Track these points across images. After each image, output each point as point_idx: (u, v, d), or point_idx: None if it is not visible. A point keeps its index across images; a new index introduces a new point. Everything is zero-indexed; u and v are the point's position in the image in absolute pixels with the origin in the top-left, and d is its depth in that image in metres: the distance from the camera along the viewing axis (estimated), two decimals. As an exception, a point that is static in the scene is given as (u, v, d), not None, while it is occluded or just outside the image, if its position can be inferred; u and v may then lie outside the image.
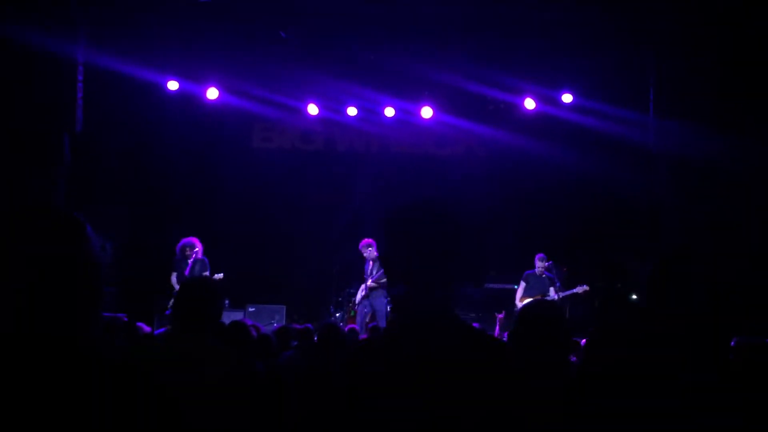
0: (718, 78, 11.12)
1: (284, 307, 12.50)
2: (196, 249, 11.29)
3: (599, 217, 13.34)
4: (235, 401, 3.01)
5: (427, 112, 13.86)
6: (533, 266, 11.89)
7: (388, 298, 12.10)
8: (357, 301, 12.08)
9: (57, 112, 11.27)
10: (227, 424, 2.96)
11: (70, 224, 1.54)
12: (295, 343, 7.00)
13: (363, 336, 10.58)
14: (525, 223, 13.43)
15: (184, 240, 11.34)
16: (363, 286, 12.00)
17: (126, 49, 11.92)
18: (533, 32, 12.02)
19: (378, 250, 11.37)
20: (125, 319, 7.95)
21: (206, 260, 11.39)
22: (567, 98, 13.34)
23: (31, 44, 10.17)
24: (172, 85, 13.37)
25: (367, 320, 11.83)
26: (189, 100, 13.61)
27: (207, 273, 11.21)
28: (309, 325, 7.49)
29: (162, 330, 8.64)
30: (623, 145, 12.59)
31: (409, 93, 13.77)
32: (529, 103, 13.55)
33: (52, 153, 10.99)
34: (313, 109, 13.95)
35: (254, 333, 5.87)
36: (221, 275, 11.18)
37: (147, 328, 7.24)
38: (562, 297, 11.67)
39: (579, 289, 11.70)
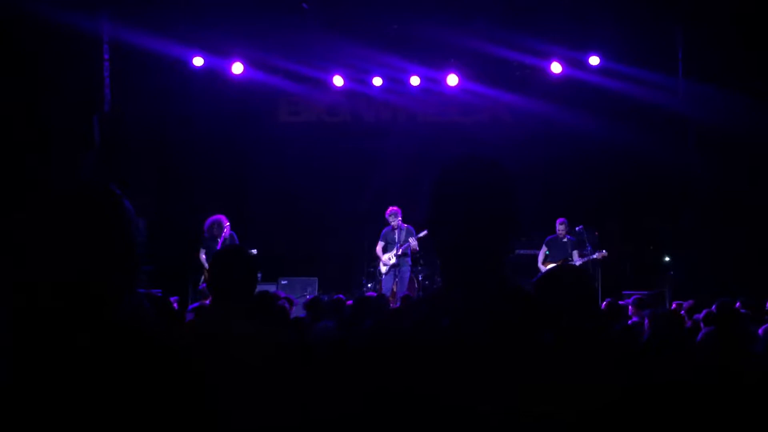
0: (747, 40, 10.93)
1: (316, 279, 12.57)
2: (226, 225, 11.36)
3: (628, 181, 13.24)
4: (271, 373, 3.03)
5: (452, 80, 13.78)
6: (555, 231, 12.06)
7: (411, 265, 12.18)
8: (385, 271, 12.12)
9: (85, 93, 11.36)
10: (262, 396, 2.99)
11: (107, 197, 1.56)
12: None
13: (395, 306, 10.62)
14: (554, 189, 13.36)
15: (212, 218, 11.40)
16: (390, 255, 12.02)
17: (150, 25, 11.95)
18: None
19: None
20: (159, 294, 8.06)
21: (235, 236, 11.48)
22: (594, 61, 13.17)
23: (56, 24, 10.22)
24: (197, 61, 13.41)
25: (395, 289, 11.88)
26: (214, 76, 13.64)
27: None
28: (341, 296, 7.55)
29: (196, 305, 8.76)
30: (651, 108, 12.45)
31: (434, 60, 13.68)
32: (556, 67, 13.39)
33: (83, 134, 11.11)
34: (338, 81, 13.93)
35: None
36: (254, 251, 11.25)
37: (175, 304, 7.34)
38: (582, 262, 11.68)
39: (597, 255, 11.71)
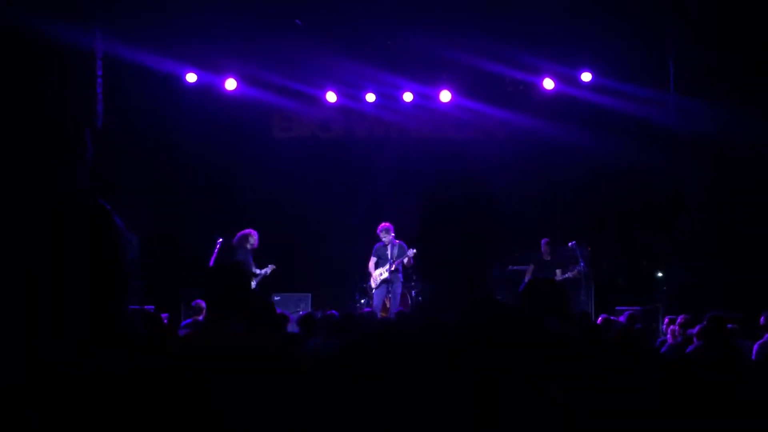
0: (738, 55, 11.00)
1: (309, 295, 12.55)
2: (256, 239, 11.51)
3: (622, 196, 13.27)
4: (269, 379, 3.03)
5: (445, 96, 13.82)
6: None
7: (403, 281, 12.19)
8: (376, 285, 12.11)
9: (78, 108, 11.35)
10: (261, 408, 2.99)
11: (96, 212, 1.55)
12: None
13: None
14: (548, 205, 13.38)
15: (246, 231, 11.47)
16: (382, 270, 12.01)
17: (143, 41, 11.98)
18: (551, 10, 11.93)
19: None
20: (152, 310, 8.04)
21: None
22: (586, 77, 13.24)
23: (49, 39, 10.23)
24: (191, 77, 13.43)
25: (387, 305, 11.87)
26: (208, 92, 13.66)
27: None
28: (334, 312, 7.52)
29: (189, 321, 8.73)
30: (644, 123, 12.50)
31: (427, 77, 13.73)
32: (548, 84, 13.46)
33: (75, 148, 11.10)
34: (331, 97, 13.96)
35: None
36: (273, 267, 11.44)
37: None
38: (562, 279, 11.88)
39: (569, 275, 11.93)
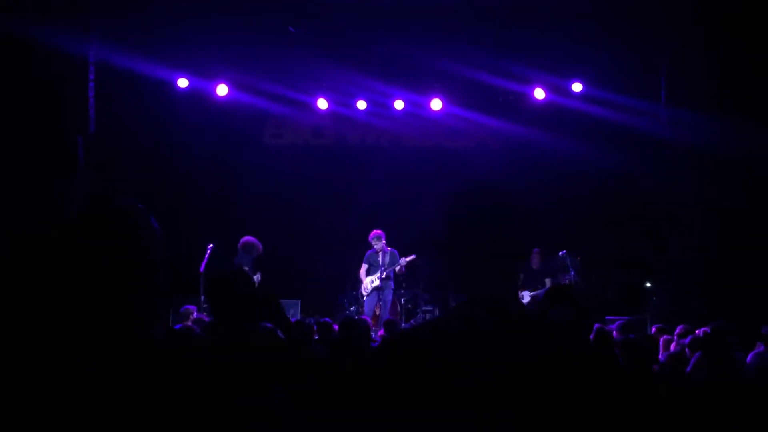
0: (729, 66, 11.08)
1: (299, 301, 12.53)
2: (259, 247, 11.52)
3: (614, 206, 13.32)
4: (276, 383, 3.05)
5: (436, 105, 13.86)
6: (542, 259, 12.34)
7: (394, 289, 12.20)
8: (367, 293, 12.11)
9: (70, 113, 11.32)
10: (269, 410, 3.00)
11: (141, 218, 1.57)
12: (317, 337, 7.05)
13: (377, 329, 10.59)
14: (538, 215, 13.40)
15: (250, 238, 11.46)
16: (373, 278, 12.02)
17: (135, 47, 11.95)
18: (542, 21, 11.99)
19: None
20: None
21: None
22: (577, 88, 13.30)
23: (42, 44, 10.21)
24: (182, 83, 13.41)
25: (378, 312, 11.88)
26: (199, 98, 13.65)
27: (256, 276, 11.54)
28: (327, 319, 7.52)
29: (178, 326, 8.70)
30: (636, 134, 12.56)
31: (418, 85, 13.77)
32: (539, 93, 13.52)
33: (67, 154, 11.07)
34: (322, 104, 13.98)
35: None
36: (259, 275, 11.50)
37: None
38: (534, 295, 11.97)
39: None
